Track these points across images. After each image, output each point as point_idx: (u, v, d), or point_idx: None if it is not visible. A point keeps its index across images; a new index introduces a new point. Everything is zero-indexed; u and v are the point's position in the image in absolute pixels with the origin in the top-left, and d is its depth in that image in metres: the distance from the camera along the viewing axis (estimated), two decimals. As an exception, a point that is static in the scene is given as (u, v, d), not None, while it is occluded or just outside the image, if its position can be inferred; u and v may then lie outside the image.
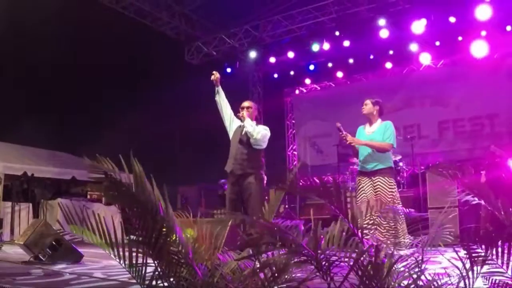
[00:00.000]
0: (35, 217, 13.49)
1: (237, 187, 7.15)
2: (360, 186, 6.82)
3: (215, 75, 7.49)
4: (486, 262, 2.78)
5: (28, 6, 12.68)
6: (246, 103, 7.57)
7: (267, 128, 7.48)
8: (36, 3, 12.54)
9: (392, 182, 6.54)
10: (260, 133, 7.24)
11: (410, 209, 4.30)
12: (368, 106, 6.98)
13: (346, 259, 2.55)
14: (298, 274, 2.78)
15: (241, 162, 7.16)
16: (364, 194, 6.66)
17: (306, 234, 2.63)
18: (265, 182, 7.33)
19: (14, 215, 13.41)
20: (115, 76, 15.69)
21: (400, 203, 6.56)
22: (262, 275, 2.63)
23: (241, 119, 7.35)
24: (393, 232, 6.07)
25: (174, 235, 2.77)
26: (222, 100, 7.53)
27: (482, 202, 3.20)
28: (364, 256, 2.48)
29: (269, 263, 2.55)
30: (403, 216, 6.50)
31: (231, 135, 7.52)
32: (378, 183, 6.49)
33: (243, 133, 7.29)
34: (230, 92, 7.64)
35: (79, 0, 14.08)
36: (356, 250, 2.56)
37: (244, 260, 2.84)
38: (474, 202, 3.21)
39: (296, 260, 2.59)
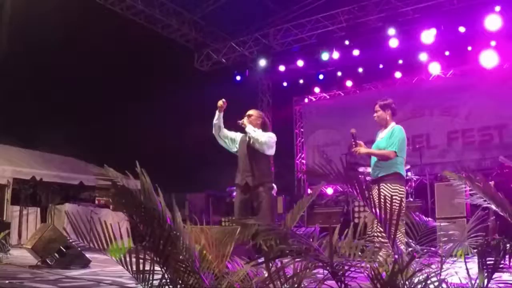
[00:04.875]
0: (43, 221, 13.54)
1: (248, 195, 7.11)
2: None
3: (223, 103, 7.21)
4: (499, 270, 2.79)
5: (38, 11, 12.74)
6: (249, 111, 7.51)
7: (272, 134, 7.43)
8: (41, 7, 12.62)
9: (395, 188, 6.27)
10: (264, 135, 7.21)
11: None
12: (378, 113, 6.81)
13: (362, 267, 2.55)
14: (308, 284, 2.78)
15: (252, 173, 7.10)
16: None
17: (320, 241, 2.63)
18: (274, 191, 7.30)
19: (22, 219, 13.47)
20: (124, 83, 15.72)
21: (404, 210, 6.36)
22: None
23: (242, 126, 7.31)
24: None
25: (181, 242, 2.77)
26: (221, 130, 7.36)
27: (493, 207, 3.20)
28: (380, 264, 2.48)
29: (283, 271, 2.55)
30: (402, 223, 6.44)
31: (236, 150, 7.47)
32: (382, 190, 6.36)
33: (249, 143, 7.24)
34: (239, 100, 7.60)
35: (89, 6, 14.15)
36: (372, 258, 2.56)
37: (253, 268, 2.84)
38: (485, 205, 3.22)
39: (310, 267, 2.59)
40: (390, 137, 6.54)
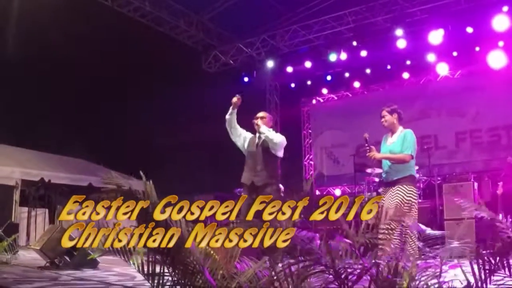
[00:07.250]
0: (51, 222, 13.58)
1: (255, 196, 7.11)
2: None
3: (237, 99, 7.29)
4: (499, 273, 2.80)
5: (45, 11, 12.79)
6: (260, 114, 7.53)
7: (283, 136, 7.47)
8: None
9: (411, 190, 6.38)
10: (279, 136, 7.26)
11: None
12: (386, 117, 6.87)
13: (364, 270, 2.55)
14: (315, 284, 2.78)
15: (260, 173, 7.12)
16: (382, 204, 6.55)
17: (324, 244, 2.64)
18: (282, 192, 7.31)
19: (30, 220, 13.53)
20: (132, 84, 15.75)
21: (416, 212, 6.47)
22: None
23: (257, 127, 7.33)
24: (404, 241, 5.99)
25: (187, 245, 2.77)
26: (233, 125, 7.40)
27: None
28: (381, 267, 2.48)
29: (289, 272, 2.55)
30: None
31: (245, 149, 7.47)
32: (397, 191, 6.41)
33: (259, 143, 7.26)
34: (247, 101, 7.57)
35: (97, 8, 14.17)
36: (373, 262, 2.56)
37: (261, 269, 2.84)
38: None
39: (315, 270, 2.59)
40: (404, 141, 6.64)
